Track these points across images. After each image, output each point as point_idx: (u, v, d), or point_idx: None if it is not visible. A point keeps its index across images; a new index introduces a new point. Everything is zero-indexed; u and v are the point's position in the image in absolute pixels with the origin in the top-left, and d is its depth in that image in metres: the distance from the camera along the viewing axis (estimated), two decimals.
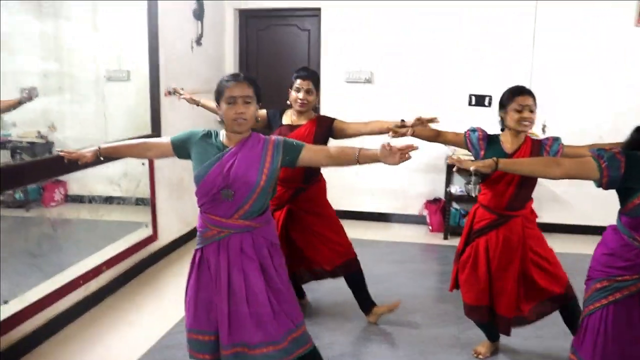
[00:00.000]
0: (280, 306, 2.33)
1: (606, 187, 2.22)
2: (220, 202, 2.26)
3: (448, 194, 5.48)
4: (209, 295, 2.35)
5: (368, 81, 5.73)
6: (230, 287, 2.29)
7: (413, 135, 3.03)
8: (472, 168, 2.46)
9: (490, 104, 5.56)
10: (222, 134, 2.35)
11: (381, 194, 5.93)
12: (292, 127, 3.32)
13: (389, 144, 2.09)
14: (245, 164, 2.25)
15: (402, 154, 2.09)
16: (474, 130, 2.99)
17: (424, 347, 3.35)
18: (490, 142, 2.94)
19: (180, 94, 3.80)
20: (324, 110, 5.56)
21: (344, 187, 5.68)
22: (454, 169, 2.59)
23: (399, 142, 2.20)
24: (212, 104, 3.75)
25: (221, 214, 2.27)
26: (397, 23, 5.63)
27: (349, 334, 3.50)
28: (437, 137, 3.06)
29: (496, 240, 2.94)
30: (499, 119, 2.99)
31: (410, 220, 5.93)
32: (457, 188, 5.53)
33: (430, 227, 5.73)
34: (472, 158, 2.92)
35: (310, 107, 3.36)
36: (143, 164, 4.38)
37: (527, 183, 2.87)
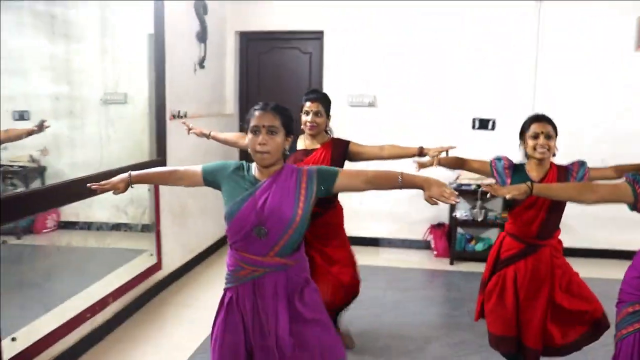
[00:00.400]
0: (315, 340, 2.19)
1: None
2: (253, 239, 2.12)
3: (453, 219, 5.42)
4: (236, 339, 2.21)
5: (372, 105, 5.69)
6: (268, 326, 2.16)
7: (439, 164, 2.97)
8: (508, 196, 2.40)
9: (493, 127, 5.55)
10: (254, 167, 2.22)
11: (385, 219, 5.85)
12: (307, 152, 3.25)
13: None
14: (279, 198, 2.11)
15: (450, 194, 2.00)
16: (499, 159, 2.95)
17: None
18: (516, 171, 2.89)
19: (190, 128, 3.65)
20: None
21: (348, 212, 5.53)
22: (488, 196, 2.51)
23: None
24: (223, 135, 3.69)
25: (256, 252, 2.14)
26: (400, 47, 5.62)
27: None
28: (462, 165, 3.01)
29: (525, 270, 2.87)
30: (521, 148, 2.94)
31: (414, 245, 5.86)
32: (462, 213, 5.49)
33: (435, 252, 5.65)
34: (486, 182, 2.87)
35: (321, 129, 3.28)
36: (149, 189, 4.24)
37: (556, 209, 2.82)
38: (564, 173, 2.83)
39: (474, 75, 5.55)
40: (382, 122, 5.66)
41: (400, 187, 2.12)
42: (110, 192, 2.29)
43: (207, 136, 3.63)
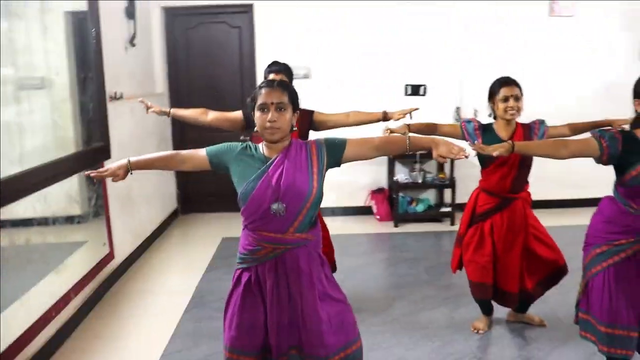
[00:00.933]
0: (337, 318, 2.24)
1: (606, 163, 2.44)
2: (271, 217, 2.11)
3: (395, 183, 5.63)
4: (256, 318, 2.22)
5: (306, 76, 5.71)
6: (289, 301, 2.18)
7: (410, 130, 3.09)
8: (495, 153, 2.55)
9: (425, 93, 5.77)
10: (261, 146, 2.20)
11: (327, 188, 5.92)
12: None
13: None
14: (293, 173, 2.10)
15: (459, 150, 2.08)
16: (469, 121, 3.14)
17: (425, 331, 3.43)
18: (485, 131, 3.09)
19: (149, 106, 3.49)
20: None
21: None
22: (474, 155, 2.64)
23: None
24: (183, 112, 3.57)
25: (275, 229, 2.12)
26: (331, 17, 5.67)
27: None
28: (434, 130, 3.15)
29: (501, 223, 3.12)
30: (490, 109, 3.13)
31: (357, 212, 6.02)
32: (402, 176, 5.70)
33: (378, 217, 5.85)
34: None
35: None
36: (95, 182, 4.00)
37: (525, 166, 3.06)
38: (528, 131, 3.06)
39: (404, 42, 5.73)
40: (317, 93, 5.66)
41: (408, 151, 2.19)
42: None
43: (167, 114, 3.50)
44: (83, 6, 4.01)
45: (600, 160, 2.44)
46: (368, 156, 2.26)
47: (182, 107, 5.95)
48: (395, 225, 5.65)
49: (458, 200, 5.62)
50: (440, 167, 5.91)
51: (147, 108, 3.48)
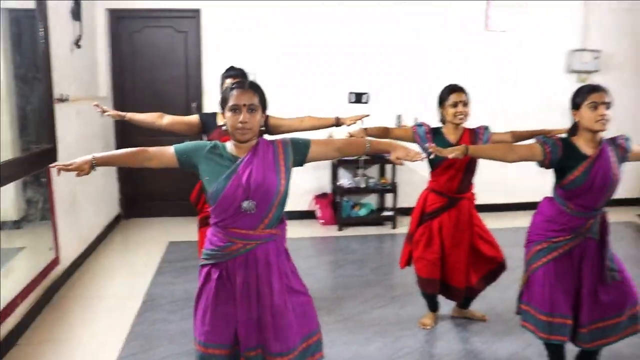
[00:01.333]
0: (301, 309, 2.36)
1: (548, 167, 2.70)
2: (242, 215, 2.19)
3: (338, 188, 5.80)
4: (227, 310, 2.28)
5: None
6: (258, 297, 2.27)
7: (367, 134, 3.24)
8: (451, 156, 2.71)
9: (367, 101, 5.98)
10: (229, 145, 2.27)
11: None
12: None
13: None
14: (262, 172, 2.19)
15: (415, 154, 2.27)
16: (420, 125, 3.35)
17: (376, 328, 3.60)
18: (435, 134, 3.32)
19: (104, 110, 3.45)
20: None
21: None
22: (432, 156, 2.76)
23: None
24: (140, 116, 3.55)
25: (246, 226, 2.21)
26: (278, 23, 5.80)
27: None
28: (387, 134, 3.33)
29: (449, 220, 3.34)
30: (439, 114, 3.35)
31: (300, 216, 6.13)
32: (345, 181, 5.88)
33: (322, 221, 5.99)
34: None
35: None
36: (43, 179, 3.93)
37: (470, 170, 3.30)
38: (473, 135, 3.30)
39: (349, 52, 5.94)
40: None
41: (368, 153, 2.36)
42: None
43: (123, 118, 3.48)
44: (25, 4, 3.91)
45: (542, 164, 2.68)
46: (330, 157, 2.40)
47: (126, 111, 5.92)
48: (339, 229, 5.82)
49: (399, 205, 5.87)
50: (382, 172, 6.14)
51: (103, 112, 3.44)
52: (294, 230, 5.64)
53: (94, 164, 2.20)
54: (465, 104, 3.25)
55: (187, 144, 2.30)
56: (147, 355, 3.25)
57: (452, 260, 3.37)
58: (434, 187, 3.38)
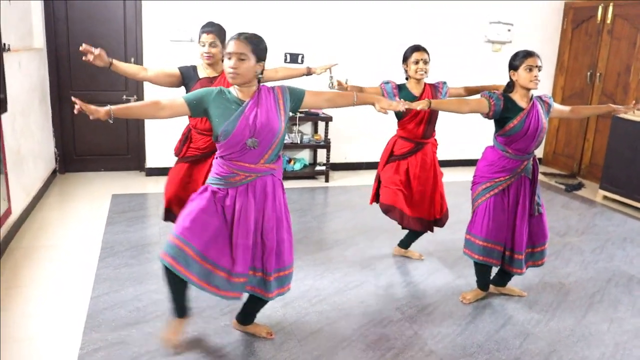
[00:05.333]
0: (287, 241, 2.74)
1: (491, 118, 3.25)
2: (247, 150, 2.51)
3: None
4: (210, 220, 2.54)
5: (193, 40, 5.88)
6: (255, 225, 2.61)
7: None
8: (419, 107, 3.10)
9: (302, 61, 6.28)
10: (233, 90, 2.57)
11: None
12: (211, 80, 3.45)
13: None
14: (266, 114, 2.51)
15: (398, 103, 2.73)
16: (387, 82, 3.78)
17: (325, 266, 4.03)
18: (401, 90, 3.74)
19: (93, 53, 3.25)
20: None
21: None
22: (404, 110, 3.07)
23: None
24: (124, 66, 3.56)
25: (249, 160, 2.54)
26: None
27: None
28: (361, 91, 3.66)
29: (416, 163, 3.82)
30: (403, 69, 3.76)
31: None
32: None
33: None
34: None
35: (217, 58, 3.46)
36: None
37: (432, 120, 3.80)
38: (434, 89, 3.79)
39: (285, 12, 6.17)
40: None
41: (355, 104, 2.75)
42: None
43: (109, 64, 3.49)
44: None
45: (487, 115, 3.23)
46: (320, 106, 2.79)
47: (63, 64, 5.83)
48: None
49: (332, 160, 6.28)
50: (316, 129, 6.51)
51: (91, 55, 3.32)
52: None
53: (111, 114, 2.37)
54: (426, 62, 3.68)
55: (195, 92, 2.58)
56: (119, 294, 3.45)
57: (419, 197, 3.82)
58: (401, 134, 3.84)
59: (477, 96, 3.37)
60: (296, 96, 2.66)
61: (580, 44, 7.22)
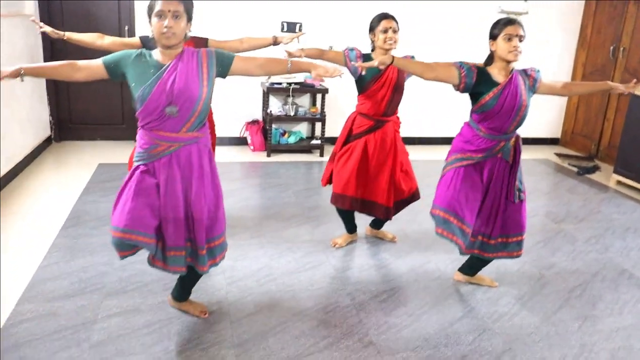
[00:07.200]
0: (216, 211, 2.59)
1: (462, 91, 2.94)
2: (166, 118, 2.36)
3: (268, 115, 5.93)
4: (150, 201, 2.45)
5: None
6: (184, 198, 2.49)
7: (305, 54, 3.34)
8: (377, 62, 2.86)
9: (300, 29, 6.05)
10: (155, 53, 2.40)
11: None
12: None
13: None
14: (185, 78, 2.34)
15: (334, 70, 2.49)
16: (352, 49, 3.50)
17: (289, 244, 3.87)
18: (366, 59, 3.45)
19: (41, 27, 3.37)
20: None
21: None
22: (378, 65, 2.88)
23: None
24: (78, 36, 3.50)
25: (170, 129, 2.38)
26: None
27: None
28: (320, 55, 3.47)
29: (374, 142, 3.54)
30: (370, 40, 3.50)
31: (232, 142, 6.28)
32: (275, 109, 6.02)
33: (252, 147, 6.16)
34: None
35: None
36: None
37: (398, 91, 3.50)
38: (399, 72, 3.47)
39: None
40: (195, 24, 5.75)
41: (289, 72, 2.55)
42: None
43: (62, 37, 3.44)
44: None
45: (457, 87, 2.92)
46: (253, 73, 2.57)
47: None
48: (268, 155, 6.01)
49: (328, 134, 6.08)
50: (313, 101, 6.30)
51: (39, 28, 3.37)
52: (225, 155, 5.91)
53: (22, 73, 2.26)
54: (395, 30, 3.40)
55: (114, 54, 2.42)
56: (68, 265, 3.40)
57: (375, 179, 3.57)
58: (361, 110, 3.56)
59: (448, 63, 3.00)
60: (223, 61, 2.46)
61: (604, 16, 6.69)
